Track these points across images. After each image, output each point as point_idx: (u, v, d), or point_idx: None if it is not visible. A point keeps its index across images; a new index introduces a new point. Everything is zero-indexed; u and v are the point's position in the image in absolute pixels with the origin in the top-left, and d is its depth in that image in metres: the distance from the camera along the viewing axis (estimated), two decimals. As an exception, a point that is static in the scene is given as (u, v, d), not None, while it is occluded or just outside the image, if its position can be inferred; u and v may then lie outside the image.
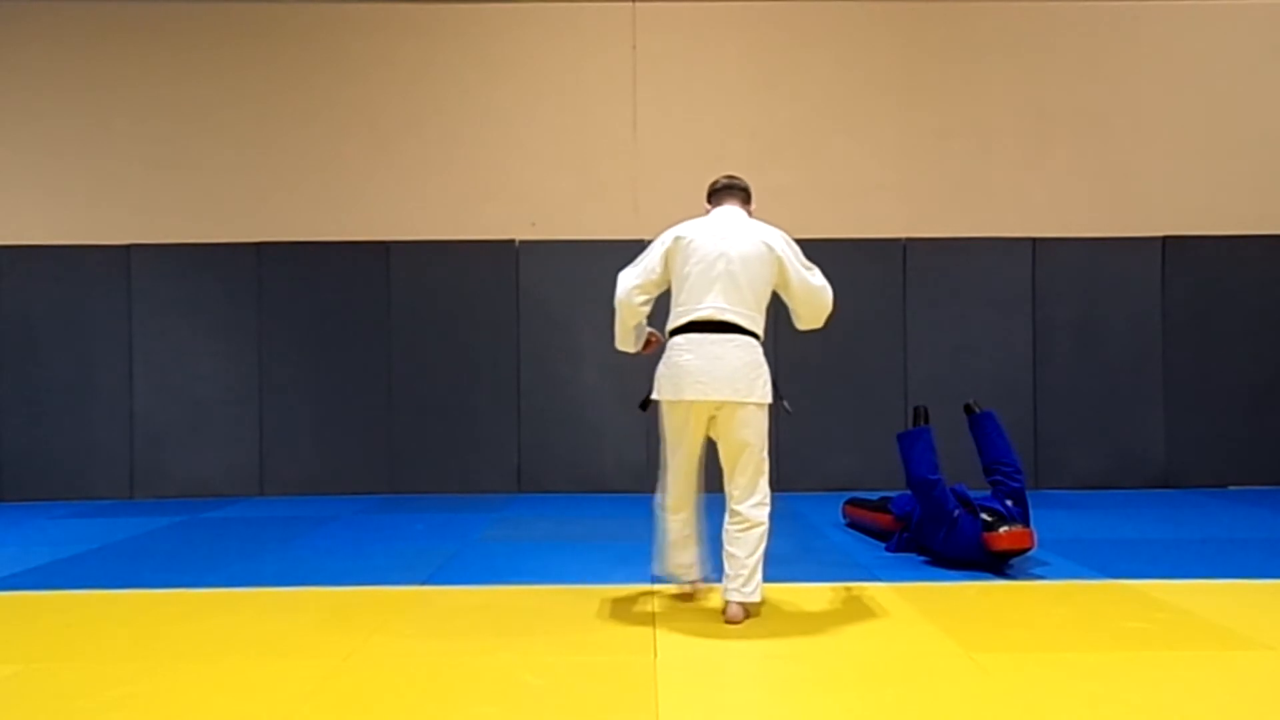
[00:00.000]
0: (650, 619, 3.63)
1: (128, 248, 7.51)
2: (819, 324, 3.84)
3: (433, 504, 6.93)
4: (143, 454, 7.44)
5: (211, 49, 7.75)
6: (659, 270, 3.73)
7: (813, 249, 7.56)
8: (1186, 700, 2.76)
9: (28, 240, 7.54)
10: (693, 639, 3.39)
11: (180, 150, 7.72)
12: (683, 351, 3.59)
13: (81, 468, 7.40)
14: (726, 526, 3.63)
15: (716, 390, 3.52)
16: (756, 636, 3.44)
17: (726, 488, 3.65)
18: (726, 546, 3.60)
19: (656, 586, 4.15)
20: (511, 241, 7.56)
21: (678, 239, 3.68)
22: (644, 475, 7.31)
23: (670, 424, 3.71)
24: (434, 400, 7.46)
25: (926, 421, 4.74)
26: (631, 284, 3.78)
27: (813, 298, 3.74)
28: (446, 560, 4.86)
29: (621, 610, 3.78)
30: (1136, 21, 7.77)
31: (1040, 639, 3.39)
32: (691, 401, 3.58)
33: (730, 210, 3.78)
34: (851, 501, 5.87)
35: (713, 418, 3.61)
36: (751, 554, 3.56)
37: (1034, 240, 7.51)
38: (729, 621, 3.53)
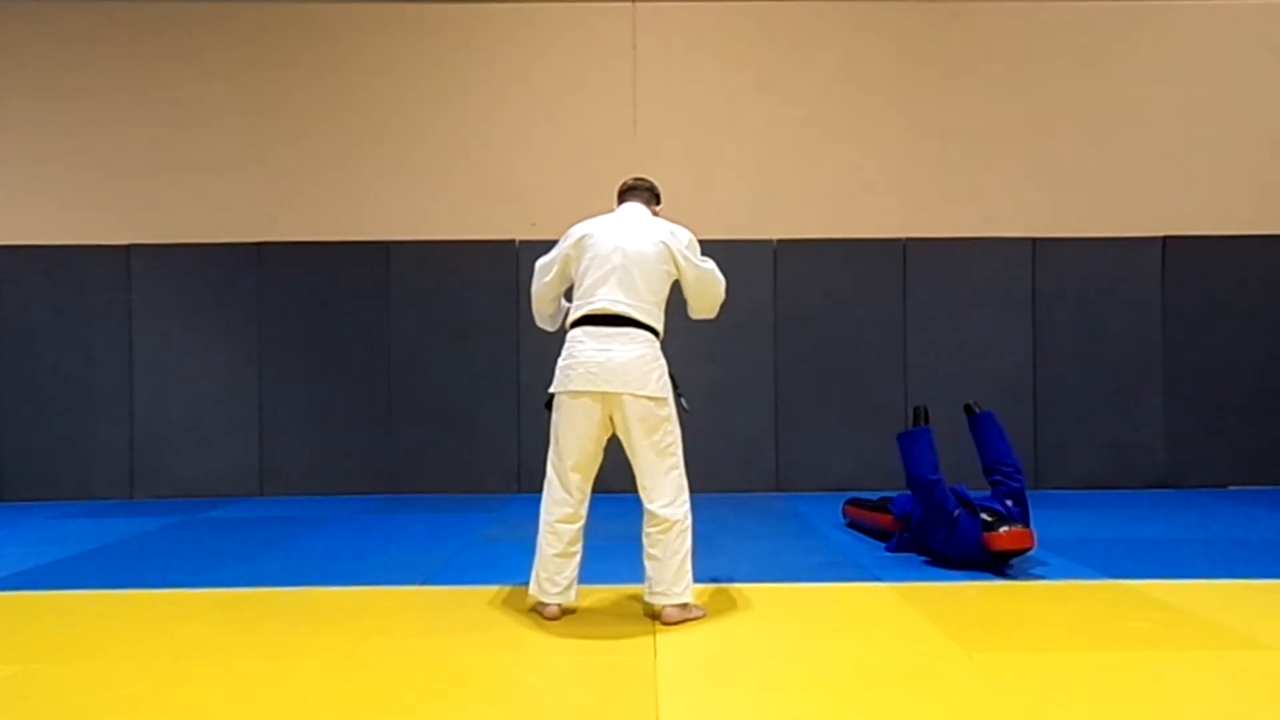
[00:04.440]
0: (650, 619, 3.63)
1: (128, 248, 7.51)
2: (711, 314, 3.90)
3: (433, 504, 6.93)
4: (143, 454, 7.43)
5: (212, 49, 7.75)
6: (560, 271, 3.83)
7: (813, 249, 7.65)
8: (1186, 700, 2.76)
9: (28, 240, 7.54)
10: (693, 639, 3.39)
11: (180, 150, 7.72)
12: (576, 343, 3.60)
13: (81, 468, 7.40)
14: (645, 530, 3.57)
15: (608, 382, 3.49)
16: (756, 637, 3.44)
17: (639, 489, 3.62)
18: (647, 549, 3.55)
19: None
20: (511, 241, 7.56)
21: (579, 240, 3.72)
22: (644, 475, 7.32)
23: (560, 418, 3.66)
24: (434, 400, 7.46)
25: (926, 421, 4.74)
26: (541, 281, 3.89)
27: (705, 289, 3.79)
28: (446, 560, 4.86)
29: (621, 610, 3.78)
30: (1136, 21, 7.77)
31: (1040, 639, 3.39)
32: (579, 392, 3.55)
33: (633, 208, 3.83)
34: (851, 501, 5.87)
35: (610, 416, 3.58)
36: (674, 554, 3.50)
37: (1034, 240, 7.51)
38: (666, 622, 3.50)
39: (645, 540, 3.57)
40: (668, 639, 3.37)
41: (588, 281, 3.64)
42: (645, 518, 3.58)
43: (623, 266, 3.58)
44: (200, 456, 7.44)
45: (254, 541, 5.52)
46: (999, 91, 7.76)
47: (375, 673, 3.05)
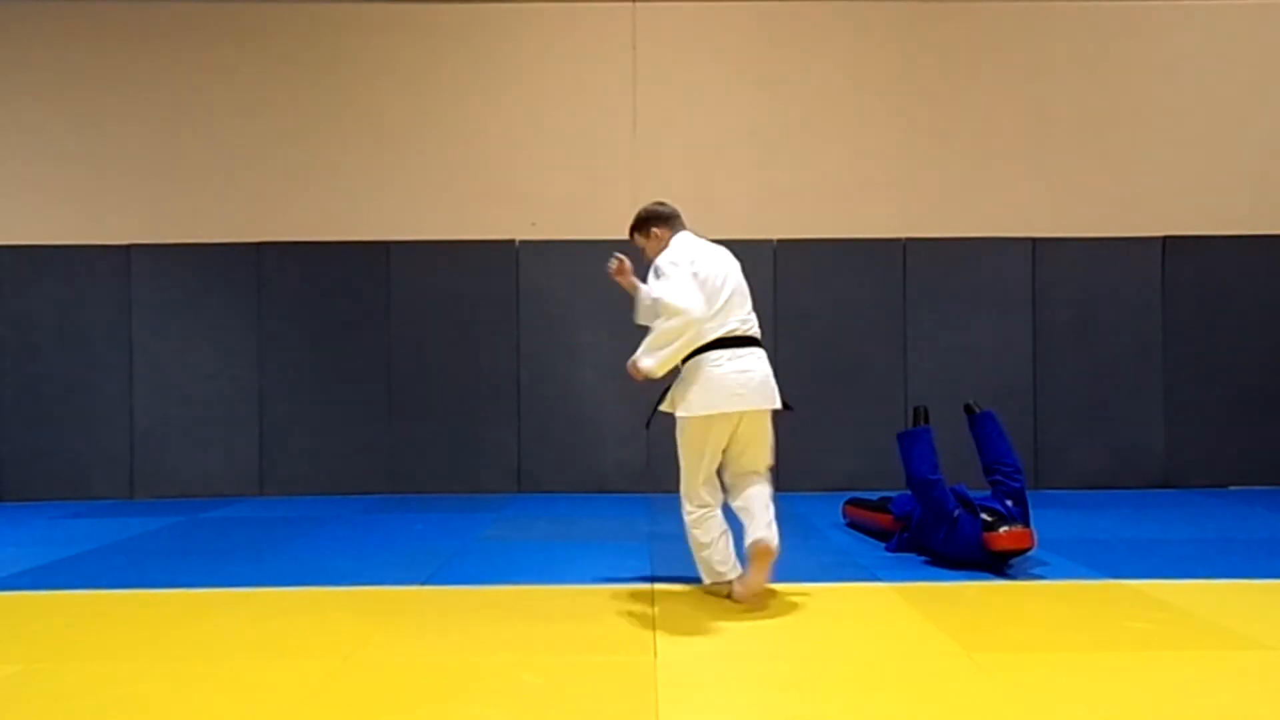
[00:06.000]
0: (650, 619, 3.63)
1: (128, 248, 7.51)
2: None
3: (433, 504, 6.93)
4: (143, 454, 7.43)
5: (212, 50, 7.75)
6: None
7: (813, 249, 7.65)
8: (1186, 700, 2.76)
9: (28, 240, 7.54)
10: (693, 639, 3.40)
11: (180, 151, 7.72)
12: (713, 366, 3.78)
13: (81, 468, 7.40)
14: (747, 494, 3.89)
15: (750, 400, 3.80)
16: (756, 636, 3.44)
17: (731, 475, 3.95)
18: (745, 508, 3.87)
19: (657, 586, 4.15)
20: (511, 241, 7.56)
21: (692, 262, 3.84)
22: (643, 475, 7.33)
23: (698, 435, 3.85)
24: (434, 400, 7.46)
25: (926, 421, 4.74)
26: (694, 297, 3.72)
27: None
28: (447, 560, 4.86)
29: (621, 610, 3.78)
30: (1136, 22, 7.77)
31: (1040, 639, 3.39)
32: (728, 413, 3.80)
33: (694, 235, 4.06)
34: (851, 501, 5.87)
35: (736, 424, 3.84)
36: (768, 505, 3.87)
37: (1034, 240, 7.51)
38: (759, 552, 3.77)
39: (743, 502, 3.90)
40: (668, 639, 3.37)
41: (713, 307, 3.82)
42: (735, 495, 3.93)
43: (737, 291, 3.90)
44: (200, 456, 7.44)
45: (254, 541, 5.52)
46: (999, 91, 7.76)
47: (375, 673, 3.05)
